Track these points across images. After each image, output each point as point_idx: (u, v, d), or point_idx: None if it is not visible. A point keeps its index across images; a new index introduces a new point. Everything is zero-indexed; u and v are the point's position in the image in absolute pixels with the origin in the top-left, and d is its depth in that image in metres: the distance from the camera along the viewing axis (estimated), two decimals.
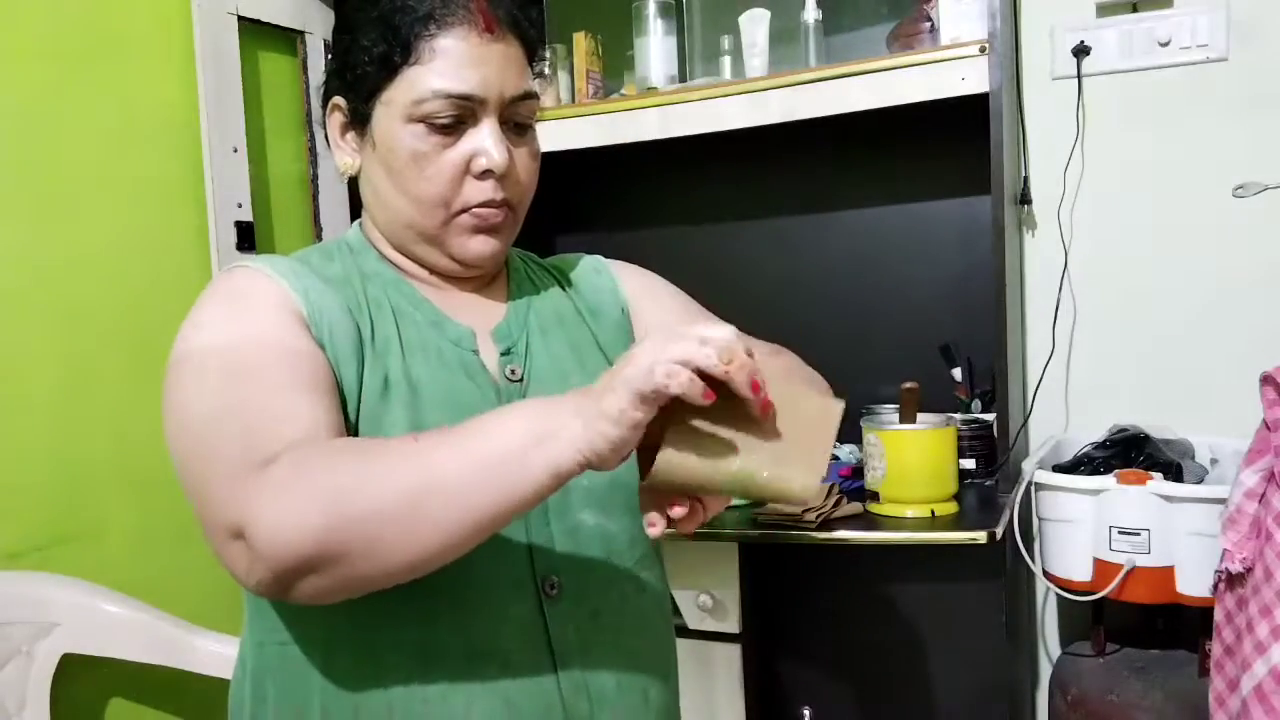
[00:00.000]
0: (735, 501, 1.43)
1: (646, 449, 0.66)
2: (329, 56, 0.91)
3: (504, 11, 0.83)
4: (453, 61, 0.80)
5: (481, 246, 0.86)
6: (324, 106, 0.89)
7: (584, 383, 0.89)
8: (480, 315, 0.89)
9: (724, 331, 0.63)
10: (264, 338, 0.76)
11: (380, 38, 0.81)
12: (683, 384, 0.61)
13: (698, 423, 0.64)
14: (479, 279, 0.91)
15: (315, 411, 0.71)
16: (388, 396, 0.79)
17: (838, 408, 0.67)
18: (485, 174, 0.83)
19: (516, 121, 0.85)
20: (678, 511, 0.68)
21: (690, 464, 0.64)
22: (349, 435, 0.77)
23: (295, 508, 0.63)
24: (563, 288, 0.98)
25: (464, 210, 0.84)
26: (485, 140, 0.82)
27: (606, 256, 1.05)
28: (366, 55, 0.82)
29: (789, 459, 0.64)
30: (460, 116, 0.81)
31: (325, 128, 0.89)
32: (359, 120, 0.85)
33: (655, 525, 0.68)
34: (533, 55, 0.87)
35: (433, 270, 0.89)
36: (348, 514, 0.63)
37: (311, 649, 0.79)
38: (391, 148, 0.82)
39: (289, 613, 0.80)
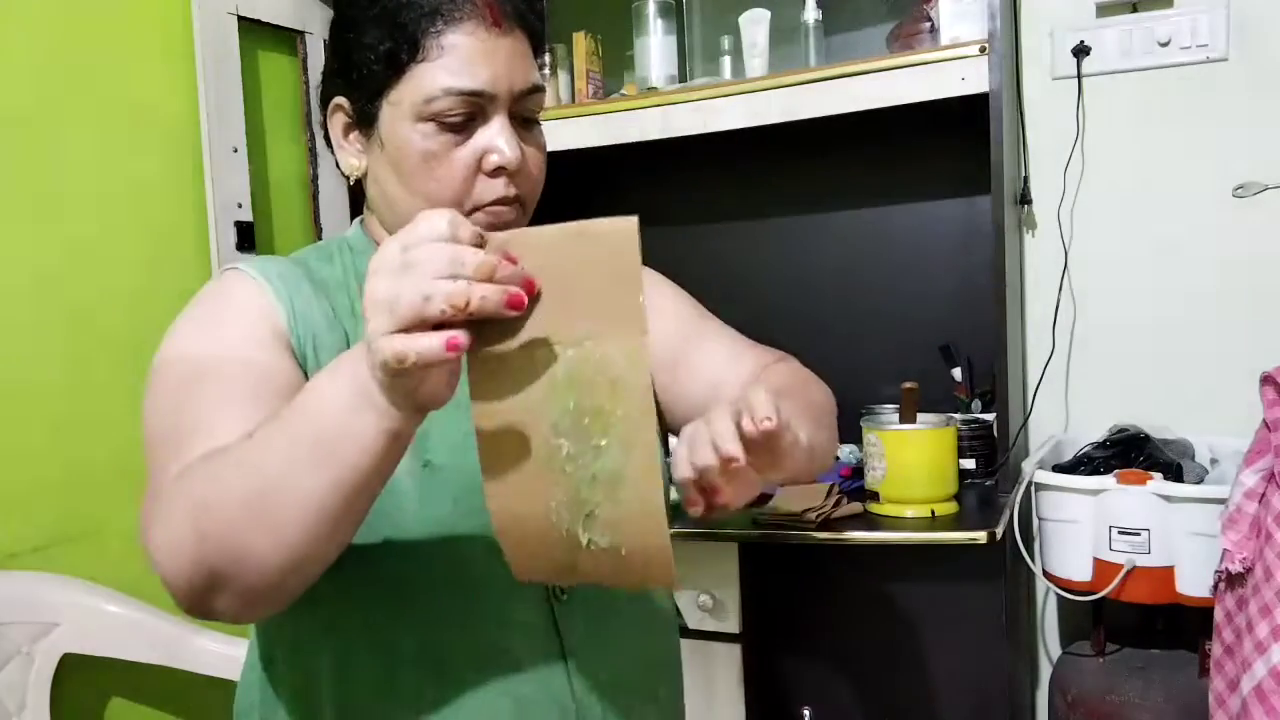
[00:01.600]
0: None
1: None
2: (327, 56, 0.89)
3: (510, 4, 0.82)
4: (462, 57, 0.78)
5: None
6: (324, 107, 0.87)
7: None
8: None
9: (433, 231, 0.56)
10: (223, 349, 0.75)
11: (386, 35, 0.79)
12: (428, 354, 0.54)
13: (490, 349, 0.57)
14: None
15: (244, 424, 0.68)
16: None
17: (629, 226, 0.57)
18: (498, 171, 0.81)
19: (524, 116, 0.83)
20: (722, 498, 0.66)
21: (507, 405, 0.56)
22: None
23: (168, 534, 0.63)
24: None
25: (476, 209, 0.82)
26: (497, 137, 0.80)
27: None
28: (372, 54, 0.80)
29: (610, 322, 0.56)
30: (470, 113, 0.79)
31: (326, 129, 0.87)
32: (364, 120, 0.83)
33: (697, 504, 0.66)
34: (538, 47, 0.86)
35: None
36: (208, 533, 0.61)
37: (322, 655, 0.79)
38: (400, 148, 0.80)
39: (297, 620, 0.79)
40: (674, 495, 1.81)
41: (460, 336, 0.55)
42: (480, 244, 0.58)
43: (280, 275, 0.81)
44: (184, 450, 0.68)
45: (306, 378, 0.78)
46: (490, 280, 0.56)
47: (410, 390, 0.57)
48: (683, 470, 0.66)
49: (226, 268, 0.83)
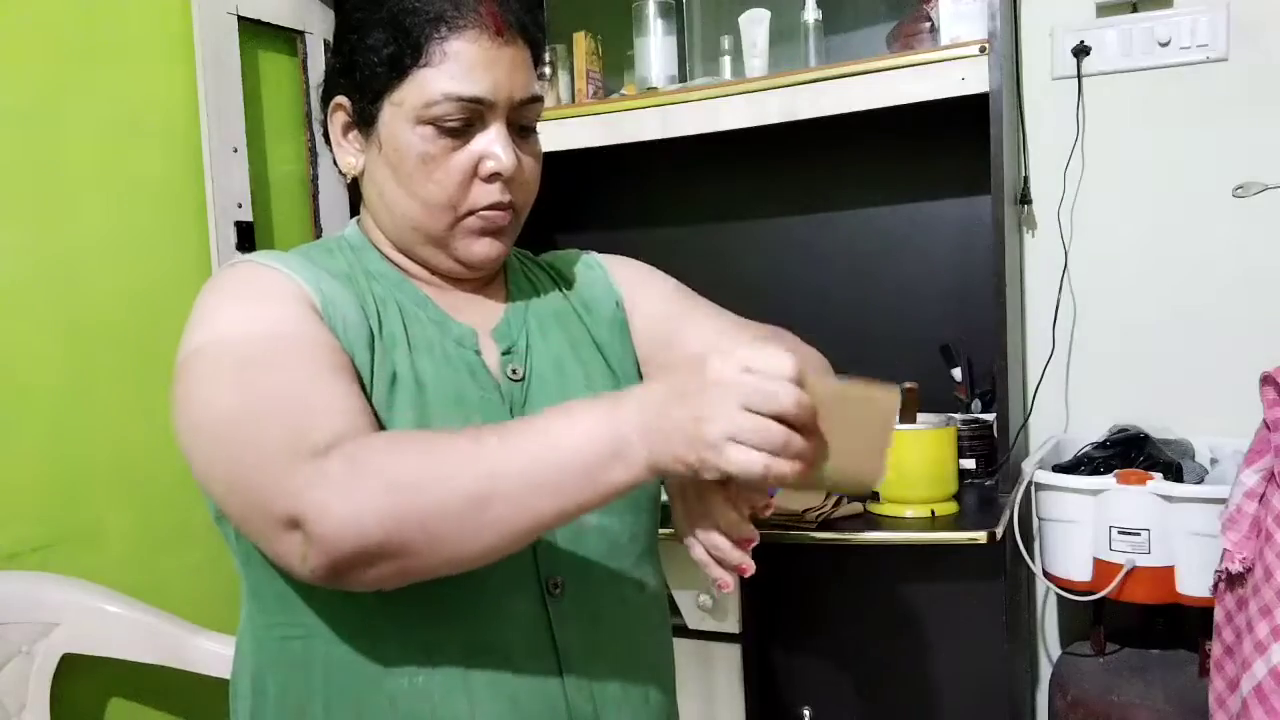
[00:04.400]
0: None
1: None
2: (330, 56, 0.90)
3: (513, 15, 0.83)
4: (464, 64, 0.80)
5: (486, 249, 0.86)
6: (324, 106, 0.88)
7: (582, 381, 0.89)
8: (480, 315, 0.89)
9: (781, 368, 0.63)
10: (283, 327, 0.75)
11: (390, 38, 0.81)
12: (756, 467, 0.62)
13: None
14: (478, 279, 0.91)
15: (350, 400, 0.71)
16: (395, 392, 0.79)
17: (893, 400, 0.68)
18: (493, 177, 0.83)
19: (522, 124, 0.85)
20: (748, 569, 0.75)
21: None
22: None
23: (360, 501, 0.63)
24: (558, 285, 0.98)
25: (471, 213, 0.84)
26: (494, 144, 0.82)
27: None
28: (375, 56, 0.81)
29: (854, 460, 0.67)
30: (469, 119, 0.81)
31: (326, 127, 0.88)
32: (364, 120, 0.84)
33: (727, 586, 0.74)
34: (538, 58, 0.87)
35: (434, 271, 0.88)
36: (413, 511, 0.63)
37: (313, 643, 0.79)
38: (399, 149, 0.82)
39: (290, 607, 0.80)
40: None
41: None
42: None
43: (296, 263, 0.81)
44: (309, 425, 0.68)
45: None
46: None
47: (683, 472, 0.64)
48: (697, 553, 0.76)
49: (234, 262, 0.83)
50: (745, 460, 0.61)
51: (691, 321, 0.98)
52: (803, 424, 0.63)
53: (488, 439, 0.66)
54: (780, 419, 0.62)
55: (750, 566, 0.74)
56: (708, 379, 0.63)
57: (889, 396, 0.68)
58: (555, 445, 0.65)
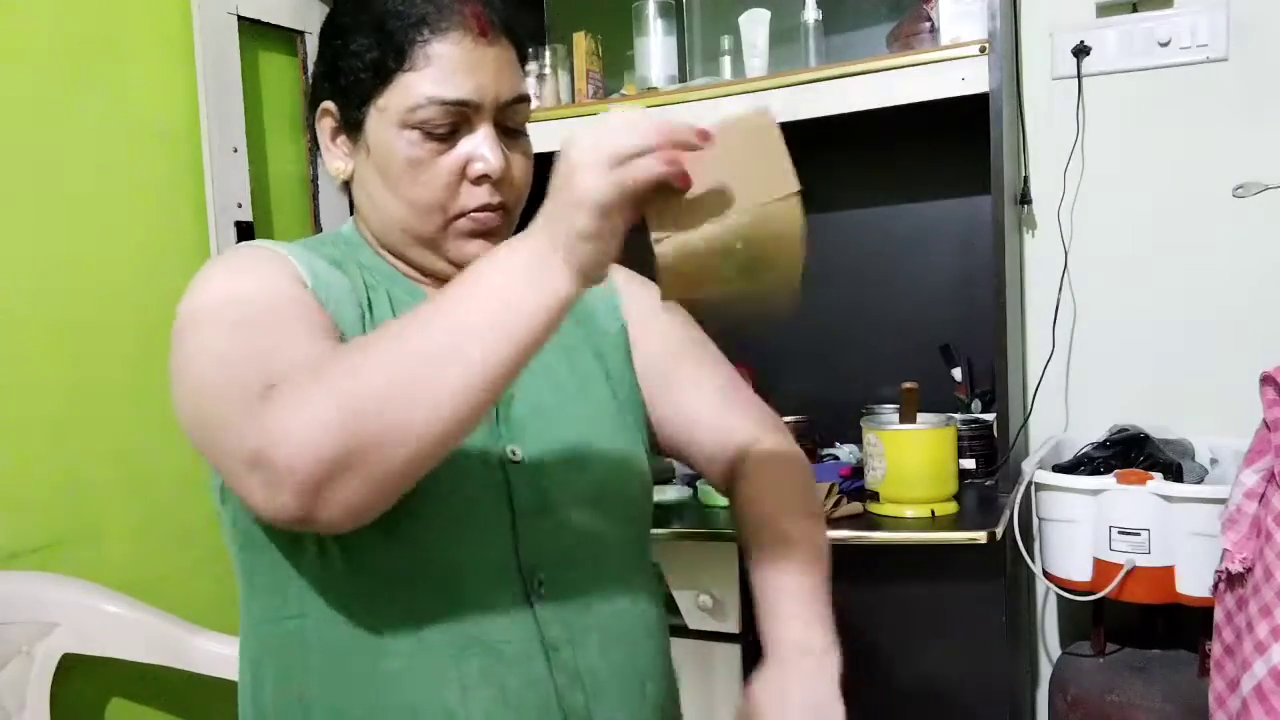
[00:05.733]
0: None
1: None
2: (315, 61, 0.90)
3: (497, 15, 0.83)
4: (447, 67, 0.80)
5: (478, 251, 0.85)
6: (313, 110, 0.88)
7: (576, 384, 0.89)
8: None
9: (631, 115, 0.64)
10: (271, 292, 0.76)
11: (374, 43, 0.81)
12: (647, 172, 0.62)
13: (665, 203, 0.65)
14: None
15: (324, 348, 0.71)
16: None
17: (767, 117, 0.68)
18: (481, 179, 0.82)
19: (510, 125, 0.85)
20: None
21: (689, 242, 0.64)
22: None
23: (307, 413, 0.62)
24: None
25: (460, 215, 0.83)
26: (481, 145, 0.82)
27: None
28: (359, 61, 0.81)
29: (763, 182, 0.66)
30: (455, 122, 0.81)
31: (315, 131, 0.89)
32: (351, 125, 0.84)
33: None
34: (524, 56, 0.87)
35: (426, 273, 0.88)
36: (362, 399, 0.62)
37: (307, 625, 0.79)
38: (386, 154, 0.82)
39: (284, 589, 0.80)
40: (674, 495, 1.81)
41: (676, 154, 0.62)
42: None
43: (290, 248, 0.82)
44: (276, 364, 0.67)
45: None
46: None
47: (598, 255, 0.63)
48: None
49: (231, 248, 0.84)
50: (632, 170, 0.62)
51: (689, 373, 0.98)
52: (677, 144, 0.63)
53: (416, 311, 0.66)
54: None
55: None
56: (568, 163, 0.63)
57: (758, 114, 0.67)
58: (474, 289, 0.65)
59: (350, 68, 0.82)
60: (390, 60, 0.80)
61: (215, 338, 0.72)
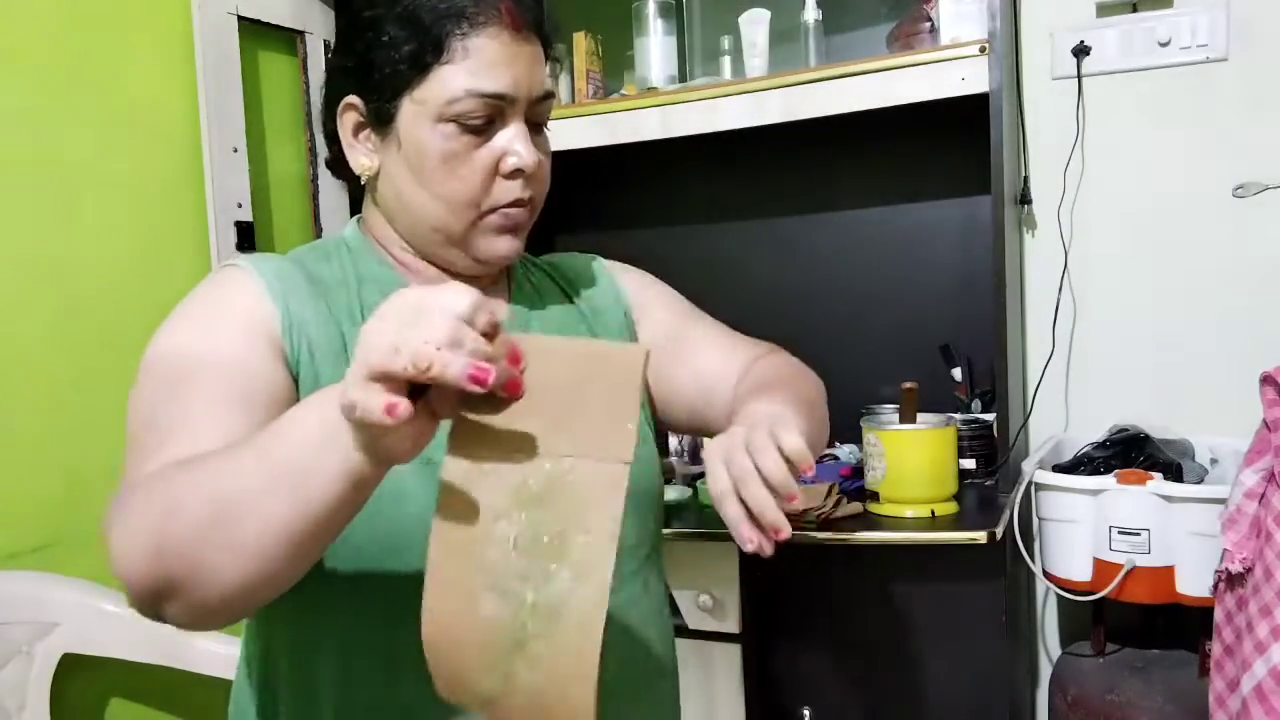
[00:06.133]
0: None
1: None
2: (335, 55, 0.89)
3: (529, 11, 0.83)
4: (485, 61, 0.80)
5: (506, 246, 0.86)
6: (331, 106, 0.86)
7: None
8: None
9: (451, 305, 0.53)
10: (215, 350, 0.75)
11: (410, 36, 0.80)
12: (371, 412, 0.52)
13: (475, 434, 0.55)
14: (483, 279, 0.91)
15: (226, 427, 0.68)
16: None
17: (640, 358, 0.57)
18: (515, 173, 0.83)
19: (536, 121, 0.85)
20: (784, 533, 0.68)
21: (483, 476, 0.55)
22: None
23: (129, 538, 0.62)
24: (561, 288, 0.98)
25: (492, 210, 0.83)
26: (515, 140, 0.82)
27: (606, 257, 1.05)
28: (394, 53, 0.81)
29: (597, 444, 0.55)
30: (490, 116, 0.81)
31: (329, 127, 0.87)
32: (380, 120, 0.83)
33: (753, 541, 0.68)
34: (549, 55, 0.87)
35: (447, 270, 0.88)
36: (166, 538, 0.60)
37: (322, 656, 0.79)
38: (420, 148, 0.81)
39: (297, 621, 0.80)
40: (674, 495, 1.81)
41: (401, 405, 0.51)
42: (492, 335, 0.55)
43: (278, 274, 0.81)
44: (163, 450, 0.67)
45: (297, 383, 0.78)
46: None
47: (370, 441, 0.55)
48: (732, 509, 0.68)
49: (225, 264, 0.84)
50: (373, 401, 0.51)
51: (692, 336, 0.99)
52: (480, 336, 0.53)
53: (233, 449, 0.62)
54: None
55: (787, 530, 0.68)
56: (368, 328, 0.54)
57: (631, 351, 0.57)
58: (279, 438, 0.59)
59: (384, 60, 0.81)
60: (428, 53, 0.80)
61: (143, 398, 0.74)
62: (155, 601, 0.62)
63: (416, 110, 0.81)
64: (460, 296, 0.53)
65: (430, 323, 0.52)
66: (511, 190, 0.83)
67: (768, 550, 0.69)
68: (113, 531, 0.63)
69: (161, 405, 0.72)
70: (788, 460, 0.68)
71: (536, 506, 0.55)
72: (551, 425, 0.56)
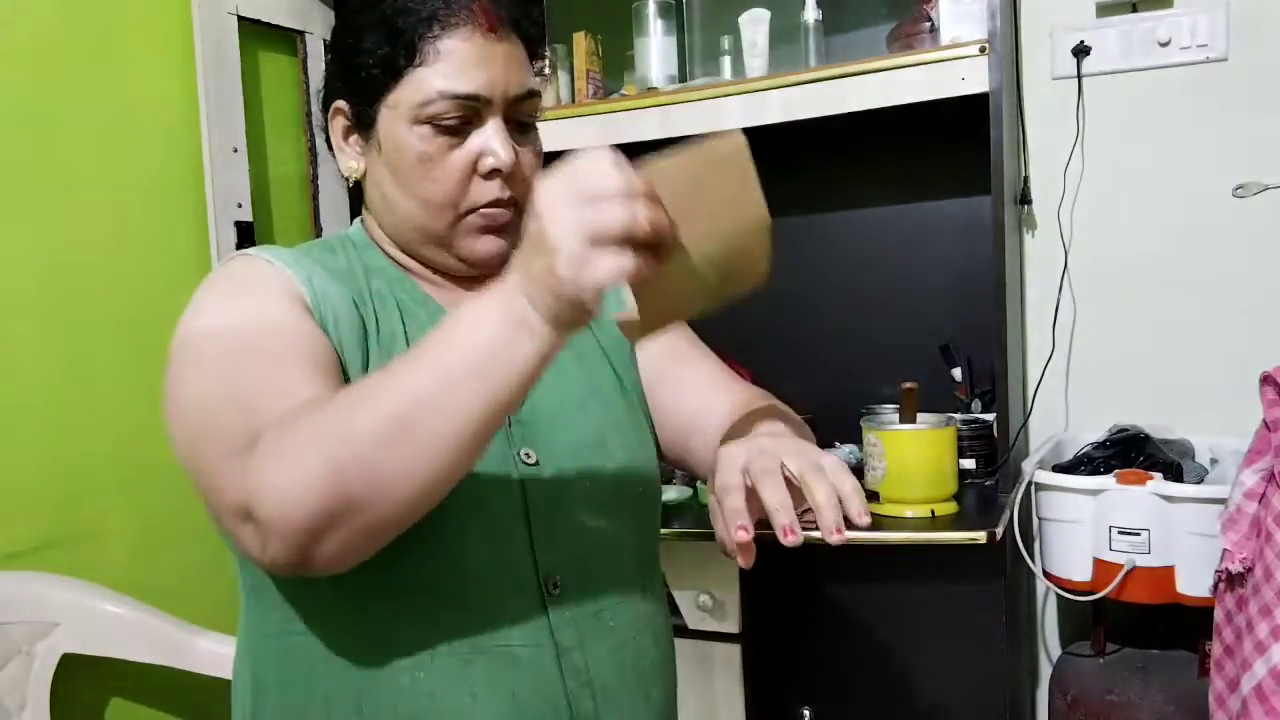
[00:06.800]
0: None
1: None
2: (328, 59, 0.91)
3: (505, 10, 0.84)
4: (457, 62, 0.81)
5: (489, 246, 0.86)
6: (325, 110, 0.88)
7: (587, 386, 0.89)
8: None
9: (596, 158, 0.61)
10: (264, 317, 0.75)
11: (383, 40, 0.81)
12: (620, 273, 0.60)
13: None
14: (482, 277, 0.91)
15: (313, 388, 0.70)
16: None
17: (735, 141, 0.65)
18: (492, 174, 0.83)
19: (520, 120, 0.86)
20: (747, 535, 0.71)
21: (660, 283, 0.63)
22: None
23: (293, 467, 0.62)
24: None
25: (471, 210, 0.84)
26: (491, 140, 0.82)
27: None
28: (370, 58, 0.82)
29: (734, 212, 0.65)
30: (466, 117, 0.82)
31: (327, 131, 0.89)
32: (363, 123, 0.85)
33: (748, 534, 0.70)
34: (534, 53, 0.88)
35: (438, 271, 0.88)
36: (346, 455, 0.61)
37: (313, 640, 0.79)
38: (397, 150, 0.82)
39: (290, 604, 0.80)
40: (674, 495, 1.81)
41: (638, 261, 0.60)
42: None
43: (292, 258, 0.82)
44: (262, 414, 0.67)
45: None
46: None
47: (579, 314, 0.62)
48: (738, 500, 0.73)
49: (233, 255, 0.84)
50: (610, 265, 0.59)
51: (686, 366, 0.98)
52: (643, 195, 0.61)
53: (396, 362, 0.65)
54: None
55: (798, 533, 0.71)
56: (538, 210, 0.61)
57: (727, 140, 0.64)
58: (454, 341, 0.64)
59: (362, 65, 0.83)
60: (401, 57, 0.81)
61: (204, 374, 0.72)
62: (321, 530, 0.62)
63: (393, 114, 0.82)
64: (603, 158, 0.61)
65: (611, 185, 0.60)
66: (490, 190, 0.83)
67: (746, 560, 0.71)
68: (265, 475, 0.62)
69: (240, 377, 0.71)
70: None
71: (715, 276, 0.66)
72: (699, 222, 0.64)
